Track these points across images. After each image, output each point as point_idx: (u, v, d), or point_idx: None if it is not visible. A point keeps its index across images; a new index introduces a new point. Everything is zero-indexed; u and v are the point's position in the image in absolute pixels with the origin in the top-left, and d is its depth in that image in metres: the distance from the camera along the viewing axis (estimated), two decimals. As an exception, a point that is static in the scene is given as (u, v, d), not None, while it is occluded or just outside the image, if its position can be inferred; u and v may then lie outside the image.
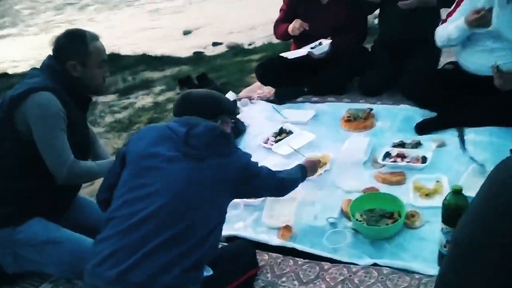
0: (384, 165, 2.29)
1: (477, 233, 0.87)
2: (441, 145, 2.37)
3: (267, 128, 2.90)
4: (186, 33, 8.20)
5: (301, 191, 2.16)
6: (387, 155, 2.34)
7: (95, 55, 1.90)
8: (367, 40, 3.23)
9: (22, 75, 3.37)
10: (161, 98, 3.92)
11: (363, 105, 2.91)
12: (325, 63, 3.07)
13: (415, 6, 2.78)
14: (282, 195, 1.98)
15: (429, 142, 2.40)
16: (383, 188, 2.13)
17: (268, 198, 2.16)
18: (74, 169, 1.78)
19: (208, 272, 1.55)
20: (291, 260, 1.83)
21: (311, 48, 2.97)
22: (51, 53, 1.92)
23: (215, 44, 7.00)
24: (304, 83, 3.17)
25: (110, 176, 1.67)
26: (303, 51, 2.97)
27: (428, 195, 2.03)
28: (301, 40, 3.14)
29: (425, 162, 2.23)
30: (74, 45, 1.88)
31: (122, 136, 3.36)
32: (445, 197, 1.60)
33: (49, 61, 1.90)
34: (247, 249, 1.83)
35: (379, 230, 1.84)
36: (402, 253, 1.78)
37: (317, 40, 3.04)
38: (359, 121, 2.71)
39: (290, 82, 3.18)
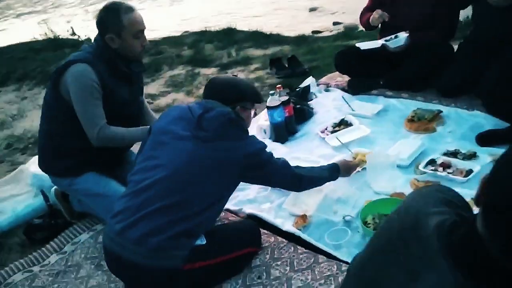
0: (424, 173, 2.20)
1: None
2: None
3: (332, 117, 2.93)
4: (312, 10, 8.24)
5: (331, 184, 2.20)
6: (431, 162, 2.24)
7: (130, 27, 2.10)
8: (457, 36, 2.99)
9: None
10: (251, 76, 4.13)
11: (435, 106, 2.75)
12: (405, 57, 2.94)
13: (508, 3, 2.50)
14: (298, 190, 2.07)
15: (485, 155, 2.22)
16: (414, 196, 2.07)
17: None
18: (103, 132, 2.08)
19: (202, 241, 1.75)
20: (292, 247, 1.93)
21: (386, 40, 2.87)
22: None
23: (335, 23, 6.95)
24: (381, 75, 3.08)
25: (141, 144, 1.94)
26: (377, 43, 2.89)
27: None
28: (384, 30, 3.05)
29: (468, 176, 2.09)
30: (109, 19, 2.10)
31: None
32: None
33: (96, 35, 2.19)
34: (252, 228, 1.97)
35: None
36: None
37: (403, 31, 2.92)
38: (422, 122, 2.59)
39: (366, 73, 3.13)
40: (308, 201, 2.18)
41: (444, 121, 2.62)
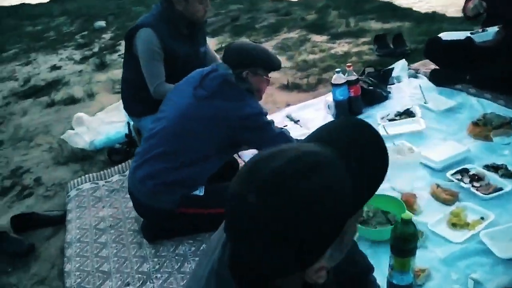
0: (451, 180, 2.08)
1: None
2: (542, 186, 1.94)
3: (402, 105, 2.84)
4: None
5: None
6: (464, 171, 2.09)
7: None
8: None
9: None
10: (354, 50, 4.07)
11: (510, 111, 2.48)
12: (496, 54, 2.65)
13: None
14: None
15: (529, 177, 2.00)
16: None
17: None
18: (159, 88, 2.41)
19: (200, 192, 2.00)
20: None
21: (472, 33, 2.60)
22: None
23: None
24: (469, 70, 2.83)
25: None
26: (461, 35, 2.64)
27: (454, 225, 1.83)
28: (487, 22, 2.76)
29: (493, 193, 1.93)
30: None
31: (296, 75, 3.80)
32: (395, 225, 1.53)
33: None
34: None
35: (365, 231, 1.84)
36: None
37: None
38: (485, 128, 2.37)
39: (452, 65, 2.89)
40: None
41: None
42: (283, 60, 4.21)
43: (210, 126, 1.91)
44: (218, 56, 2.77)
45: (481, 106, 2.65)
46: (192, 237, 2.08)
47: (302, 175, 0.69)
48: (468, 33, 2.63)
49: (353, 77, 2.83)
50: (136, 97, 2.64)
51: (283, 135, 2.02)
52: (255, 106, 1.97)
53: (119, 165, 2.84)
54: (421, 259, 1.70)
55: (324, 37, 4.58)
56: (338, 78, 2.79)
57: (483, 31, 2.58)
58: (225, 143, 1.97)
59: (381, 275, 1.47)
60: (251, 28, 5.47)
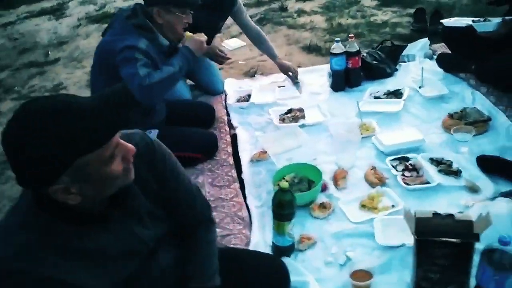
0: (387, 165, 2.12)
1: None
2: (473, 188, 1.92)
3: (399, 84, 2.80)
4: None
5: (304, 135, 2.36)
6: (404, 159, 2.11)
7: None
8: None
9: None
10: (394, 20, 3.92)
11: (494, 112, 2.37)
12: (503, 45, 2.48)
13: None
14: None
15: (469, 180, 1.97)
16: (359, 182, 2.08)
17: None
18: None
19: (153, 134, 2.24)
20: (229, 169, 2.26)
21: (473, 21, 2.45)
22: None
23: None
24: (473, 59, 2.68)
25: None
26: (463, 22, 2.50)
27: (363, 206, 1.91)
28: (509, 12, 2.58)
29: (416, 185, 1.95)
30: None
31: (325, 37, 3.80)
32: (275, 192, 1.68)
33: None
34: (208, 140, 2.35)
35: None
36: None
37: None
38: (458, 122, 2.30)
39: (460, 52, 2.75)
40: (286, 143, 2.38)
41: (485, 131, 2.28)
42: (321, 21, 4.21)
43: (101, 60, 2.08)
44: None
45: (472, 99, 2.55)
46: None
47: (49, 115, 0.91)
48: (470, 21, 2.49)
49: (353, 48, 2.83)
50: None
51: (136, 77, 1.90)
52: (132, 40, 1.94)
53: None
54: (315, 229, 1.85)
55: (374, 2, 4.43)
56: (336, 47, 2.81)
57: (485, 20, 2.43)
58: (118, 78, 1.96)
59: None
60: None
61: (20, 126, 0.92)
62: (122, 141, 1.01)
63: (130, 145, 1.03)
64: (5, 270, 0.96)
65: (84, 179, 0.97)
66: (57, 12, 6.14)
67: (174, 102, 2.57)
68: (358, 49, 2.85)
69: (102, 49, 2.09)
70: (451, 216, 1.40)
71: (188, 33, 2.17)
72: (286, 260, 1.65)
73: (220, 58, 2.96)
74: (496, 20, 2.40)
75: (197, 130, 2.42)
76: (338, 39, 2.83)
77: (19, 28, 5.71)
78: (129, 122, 1.10)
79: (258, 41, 3.02)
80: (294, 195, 1.71)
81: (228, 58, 3.04)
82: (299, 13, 4.40)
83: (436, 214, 1.41)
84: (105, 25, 4.42)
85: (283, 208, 1.65)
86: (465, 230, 1.36)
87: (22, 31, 5.57)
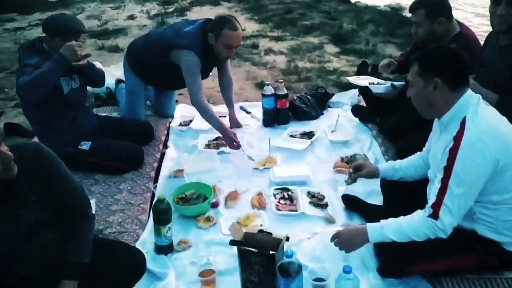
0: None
1: None
2: (329, 219, 2.36)
3: (317, 127, 3.26)
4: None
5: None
6: (285, 190, 2.57)
7: (225, 39, 2.84)
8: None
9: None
10: (345, 68, 4.41)
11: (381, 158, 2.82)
12: (400, 104, 2.93)
13: None
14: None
15: (327, 213, 2.41)
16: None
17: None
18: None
19: (86, 145, 2.72)
20: (147, 181, 2.74)
21: (370, 83, 2.92)
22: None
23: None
24: (378, 113, 3.14)
25: None
26: (363, 82, 2.97)
27: (238, 222, 2.34)
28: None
29: (282, 211, 2.40)
30: (217, 24, 2.86)
31: (279, 77, 4.30)
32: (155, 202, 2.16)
33: (204, 24, 2.96)
34: (134, 154, 2.84)
35: (184, 208, 2.44)
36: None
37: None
38: (345, 165, 2.75)
39: (368, 105, 3.22)
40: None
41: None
42: (283, 61, 4.70)
43: None
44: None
45: (368, 146, 3.01)
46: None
47: None
48: (367, 82, 2.96)
49: (282, 92, 3.31)
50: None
51: (19, 80, 2.45)
52: (26, 59, 2.53)
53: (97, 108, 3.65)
54: (195, 236, 2.30)
55: (337, 49, 4.93)
56: (267, 89, 3.30)
57: (378, 83, 2.89)
58: None
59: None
60: (292, 23, 5.94)
61: None
62: (3, 149, 1.50)
63: (8, 153, 1.51)
64: None
65: None
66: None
67: (119, 119, 3.08)
68: (286, 92, 3.33)
69: None
70: (269, 234, 1.86)
71: None
72: (160, 255, 2.12)
73: (233, 145, 2.95)
74: (386, 84, 2.87)
75: (126, 144, 2.86)
76: (269, 82, 3.33)
77: (26, 34, 6.33)
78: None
79: (226, 88, 3.37)
80: (180, 206, 2.16)
81: (239, 147, 2.96)
82: (267, 52, 4.91)
83: (261, 232, 1.87)
84: (100, 41, 4.80)
85: (159, 215, 2.12)
86: (274, 245, 1.81)
87: (28, 37, 6.18)
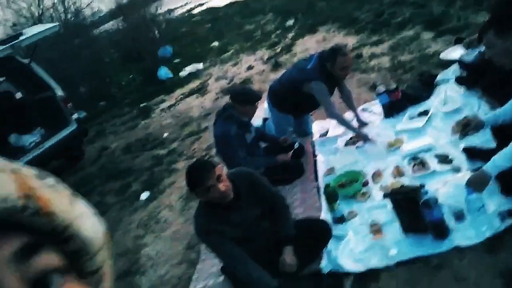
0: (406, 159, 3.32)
1: None
2: (455, 169, 3.04)
3: (430, 105, 3.94)
4: None
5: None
6: (415, 159, 3.29)
7: (339, 64, 3.77)
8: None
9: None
10: (438, 49, 4.97)
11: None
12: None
13: None
14: None
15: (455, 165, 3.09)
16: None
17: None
18: None
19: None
20: (310, 182, 3.69)
21: (461, 55, 3.52)
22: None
23: None
24: (479, 78, 3.71)
25: None
26: (454, 55, 3.58)
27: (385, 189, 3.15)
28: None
29: (419, 173, 3.14)
30: (332, 53, 3.79)
31: (387, 76, 5.02)
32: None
33: (319, 58, 3.98)
34: (297, 167, 3.82)
35: (340, 191, 3.33)
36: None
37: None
38: (462, 127, 3.39)
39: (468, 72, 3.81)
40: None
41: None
42: (386, 61, 5.41)
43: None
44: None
45: (477, 107, 3.59)
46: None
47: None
48: (458, 54, 3.57)
49: (393, 86, 4.07)
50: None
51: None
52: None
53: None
54: (357, 207, 3.16)
55: (432, 34, 5.48)
56: (379, 89, 4.10)
57: (467, 54, 3.50)
58: None
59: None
60: (386, 25, 6.61)
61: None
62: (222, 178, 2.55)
63: (220, 185, 2.55)
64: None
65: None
66: (201, 90, 8.31)
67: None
68: (396, 85, 4.09)
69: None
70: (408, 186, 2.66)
71: None
72: (337, 224, 3.02)
73: (366, 138, 3.84)
74: (474, 51, 3.47)
75: (291, 161, 3.92)
76: (379, 82, 4.12)
77: (178, 108, 7.95)
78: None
79: (347, 98, 4.23)
80: (343, 190, 3.10)
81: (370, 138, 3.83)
82: (371, 58, 5.67)
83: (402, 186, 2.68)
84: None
85: (329, 196, 3.04)
86: (414, 190, 2.60)
87: (180, 110, 7.79)
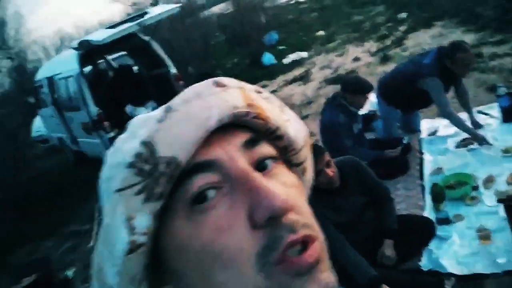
0: (526, 172, 3.11)
1: None
2: None
3: None
4: None
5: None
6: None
7: (458, 60, 3.63)
8: None
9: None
10: None
11: None
12: None
13: None
14: None
15: None
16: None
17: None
18: None
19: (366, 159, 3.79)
20: (415, 179, 3.61)
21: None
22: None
23: None
24: None
25: None
26: None
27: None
28: None
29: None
30: (455, 50, 3.65)
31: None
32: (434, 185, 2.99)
33: (438, 54, 3.81)
34: (402, 162, 3.75)
35: (448, 192, 3.22)
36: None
37: None
38: None
39: None
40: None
41: None
42: (510, 62, 5.05)
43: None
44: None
45: None
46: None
47: None
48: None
49: (515, 89, 3.81)
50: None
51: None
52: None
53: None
54: (465, 210, 3.04)
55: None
56: (500, 90, 3.85)
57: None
58: None
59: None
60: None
61: None
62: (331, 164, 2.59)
63: (329, 170, 2.59)
64: None
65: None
66: (304, 78, 8.38)
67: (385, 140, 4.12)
68: (520, 88, 3.82)
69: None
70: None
71: None
72: (442, 225, 2.94)
73: (481, 140, 3.62)
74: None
75: (396, 157, 3.85)
76: (502, 84, 3.86)
77: (280, 94, 8.10)
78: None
79: (463, 98, 4.02)
80: (451, 191, 3.01)
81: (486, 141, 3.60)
82: (491, 57, 5.32)
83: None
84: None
85: (436, 195, 2.96)
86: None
87: (281, 96, 7.93)
